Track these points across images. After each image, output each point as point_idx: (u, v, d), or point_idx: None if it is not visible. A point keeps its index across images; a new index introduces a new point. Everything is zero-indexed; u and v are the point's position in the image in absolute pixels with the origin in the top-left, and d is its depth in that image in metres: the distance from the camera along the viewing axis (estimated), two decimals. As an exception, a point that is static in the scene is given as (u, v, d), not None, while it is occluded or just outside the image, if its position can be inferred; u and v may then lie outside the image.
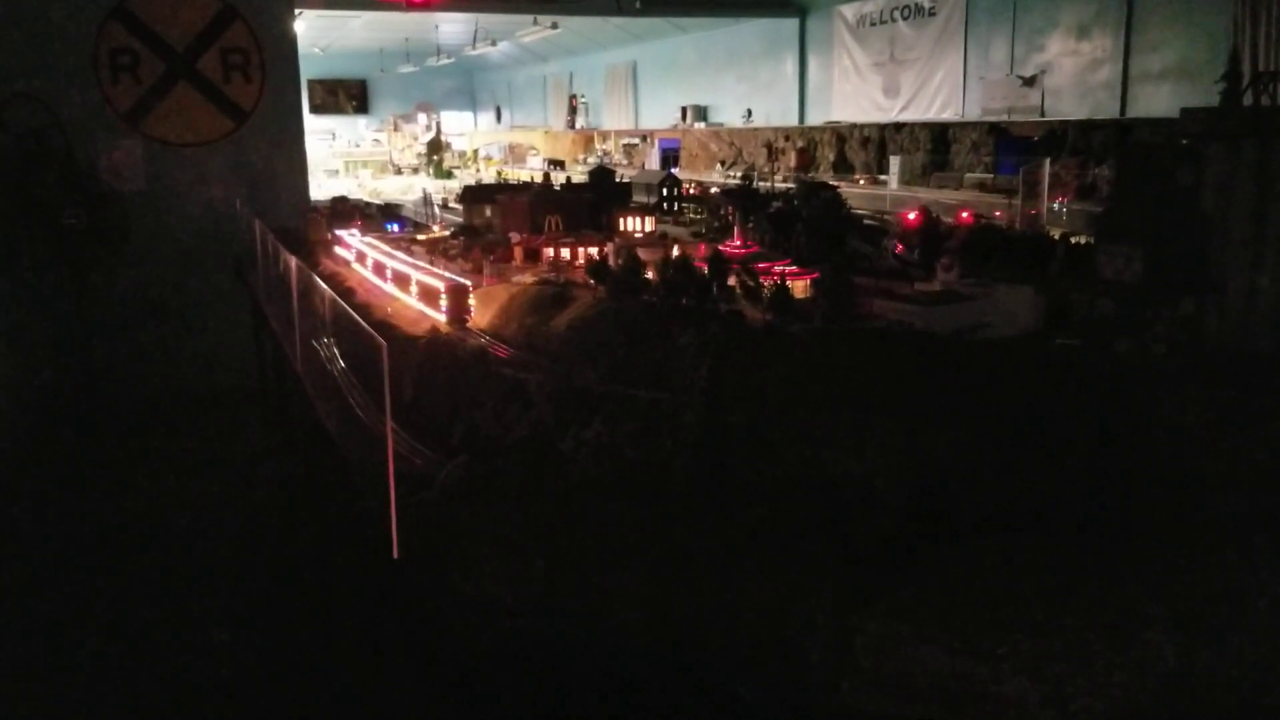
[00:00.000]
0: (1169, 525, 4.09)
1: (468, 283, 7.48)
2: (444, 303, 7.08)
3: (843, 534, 4.05)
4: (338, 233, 11.57)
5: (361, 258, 10.01)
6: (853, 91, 23.76)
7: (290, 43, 16.69)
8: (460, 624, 4.58)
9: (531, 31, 28.91)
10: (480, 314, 7.16)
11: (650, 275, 6.57)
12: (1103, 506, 4.23)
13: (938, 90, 21.01)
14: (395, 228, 12.91)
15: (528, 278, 8.16)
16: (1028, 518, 4.19)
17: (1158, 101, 15.78)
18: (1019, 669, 3.36)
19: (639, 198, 13.37)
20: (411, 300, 7.80)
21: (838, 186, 12.64)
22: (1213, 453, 4.56)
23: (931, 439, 4.53)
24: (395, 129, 39.05)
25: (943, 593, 3.73)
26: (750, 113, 26.88)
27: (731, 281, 6.78)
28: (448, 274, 7.87)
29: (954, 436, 4.57)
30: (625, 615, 4.00)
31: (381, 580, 5.39)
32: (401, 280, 8.13)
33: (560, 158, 32.77)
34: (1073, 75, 17.65)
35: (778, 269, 7.25)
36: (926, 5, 20.95)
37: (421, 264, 8.49)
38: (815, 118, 24.91)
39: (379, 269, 8.98)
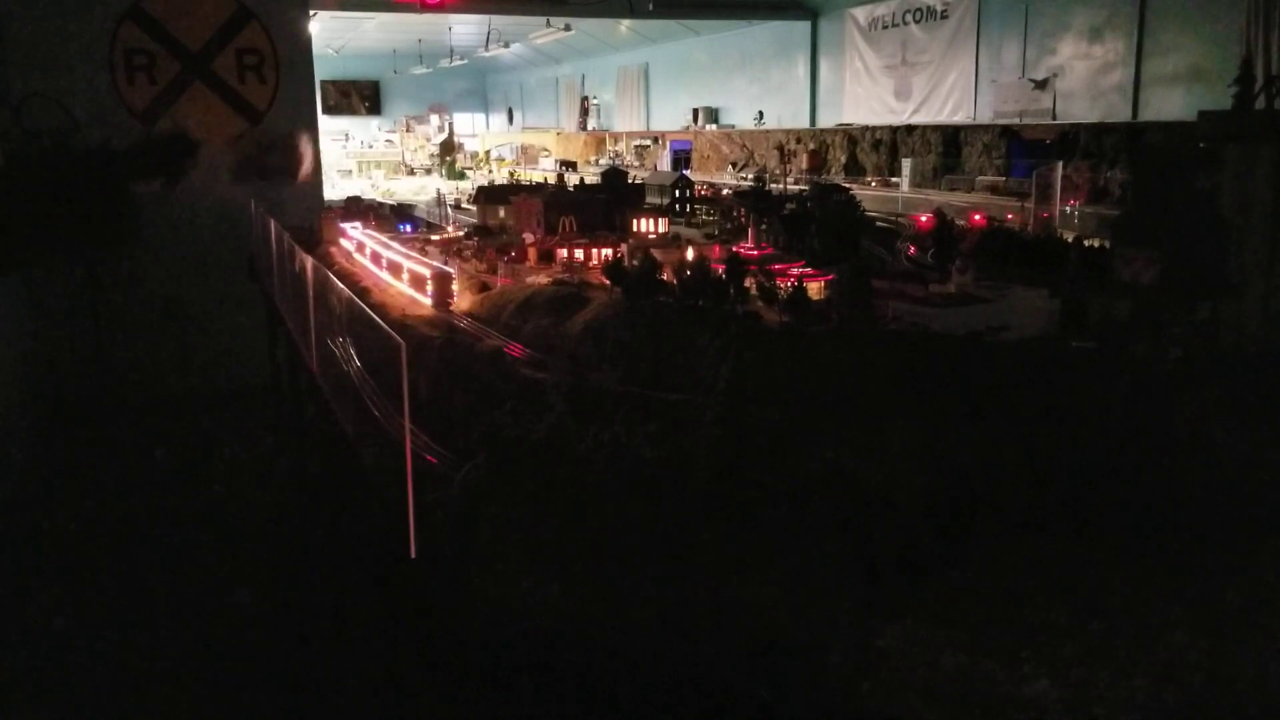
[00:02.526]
0: (1189, 528, 4.09)
1: (451, 270, 8.18)
2: (429, 288, 7.77)
3: (863, 536, 4.06)
4: (341, 225, 11.78)
5: (361, 248, 10.62)
6: (864, 94, 23.74)
7: (304, 44, 16.77)
8: (477, 624, 4.59)
9: (544, 33, 28.95)
10: (496, 314, 7.19)
11: (666, 276, 6.58)
12: (1123, 509, 4.23)
13: (949, 93, 20.98)
14: (408, 228, 12.96)
15: (542, 278, 8.19)
16: (1047, 520, 4.19)
17: (1170, 105, 15.73)
18: (1041, 672, 3.36)
19: (651, 199, 13.39)
20: (404, 286, 8.44)
21: (850, 188, 12.63)
22: (1232, 455, 4.55)
23: (950, 441, 4.53)
24: (408, 130, 39.15)
25: (963, 595, 3.73)
26: (762, 115, 26.87)
27: (747, 283, 6.79)
28: (433, 262, 8.54)
29: (972, 439, 4.57)
30: (644, 617, 4.01)
31: (398, 580, 5.41)
32: (395, 268, 8.84)
33: (572, 159, 32.79)
34: (1085, 78, 17.61)
35: (793, 271, 7.26)
36: (938, 8, 20.92)
37: (411, 253, 9.13)
38: (827, 120, 24.89)
39: (376, 258, 9.67)
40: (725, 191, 15.85)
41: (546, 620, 4.32)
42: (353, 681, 7.60)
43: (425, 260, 8.62)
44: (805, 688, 3.52)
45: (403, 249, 9.71)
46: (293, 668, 8.03)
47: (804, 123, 25.46)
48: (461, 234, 12.01)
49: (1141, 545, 4.03)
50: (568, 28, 27.52)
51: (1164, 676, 3.29)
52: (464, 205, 18.66)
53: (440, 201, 18.88)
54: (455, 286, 7.84)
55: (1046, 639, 3.47)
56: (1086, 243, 9.07)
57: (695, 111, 29.65)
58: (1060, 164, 13.69)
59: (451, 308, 7.66)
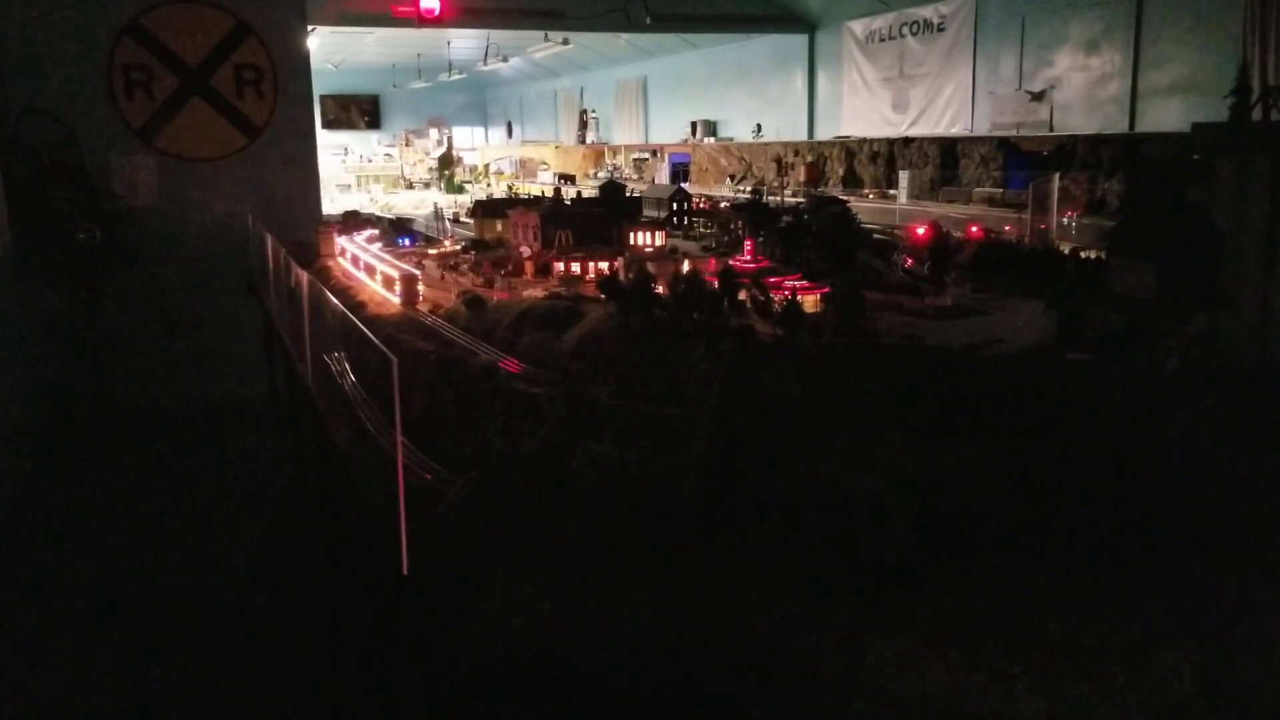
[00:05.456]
0: (1185, 542, 4.06)
1: (417, 272, 9.02)
2: (398, 288, 8.61)
3: (854, 551, 4.03)
4: (352, 234, 12.04)
5: (343, 252, 11.31)
6: (862, 106, 23.81)
7: (303, 59, 16.83)
8: (469, 641, 4.56)
9: (543, 47, 29.07)
10: (491, 328, 7.18)
11: (661, 290, 6.57)
12: (1117, 523, 4.21)
13: (947, 105, 21.03)
14: (407, 242, 12.98)
15: (538, 292, 8.18)
16: (1041, 534, 4.16)
17: (1167, 116, 15.76)
18: (1033, 688, 3.33)
19: (649, 212, 13.39)
20: (379, 287, 9.26)
21: (847, 201, 12.63)
22: (1228, 468, 4.53)
23: (943, 455, 4.51)
24: (407, 144, 39.20)
25: (956, 610, 3.70)
26: (760, 127, 26.93)
27: (742, 296, 6.78)
28: (402, 265, 9.25)
29: (966, 452, 4.54)
30: (636, 633, 3.99)
31: (390, 596, 5.39)
32: (370, 271, 9.71)
33: (571, 172, 32.86)
34: (1081, 90, 17.66)
35: (788, 284, 7.25)
36: (935, 21, 21.00)
37: (385, 257, 9.87)
38: (824, 132, 24.95)
39: (355, 260, 10.48)
40: (723, 204, 15.85)
41: (538, 636, 4.30)
42: (345, 698, 7.56)
43: (395, 263, 9.33)
44: (796, 705, 3.49)
45: (378, 253, 10.26)
46: (283, 685, 7.99)
47: (802, 135, 25.52)
48: (459, 248, 12.02)
49: (1136, 559, 4.00)
50: (566, 42, 27.62)
51: (1157, 692, 3.27)
52: (463, 219, 18.68)
53: (438, 215, 18.90)
54: (420, 287, 8.79)
55: (1039, 654, 3.44)
56: (1084, 254, 9.06)
57: (694, 124, 29.72)
58: (1057, 175, 13.68)
59: (418, 305, 8.37)
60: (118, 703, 7.89)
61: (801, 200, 15.16)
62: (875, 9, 22.64)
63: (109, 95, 15.42)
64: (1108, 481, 4.46)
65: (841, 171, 22.47)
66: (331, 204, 23.36)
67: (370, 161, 40.01)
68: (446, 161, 36.03)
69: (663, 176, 27.19)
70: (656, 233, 10.78)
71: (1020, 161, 17.51)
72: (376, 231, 12.97)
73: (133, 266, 15.47)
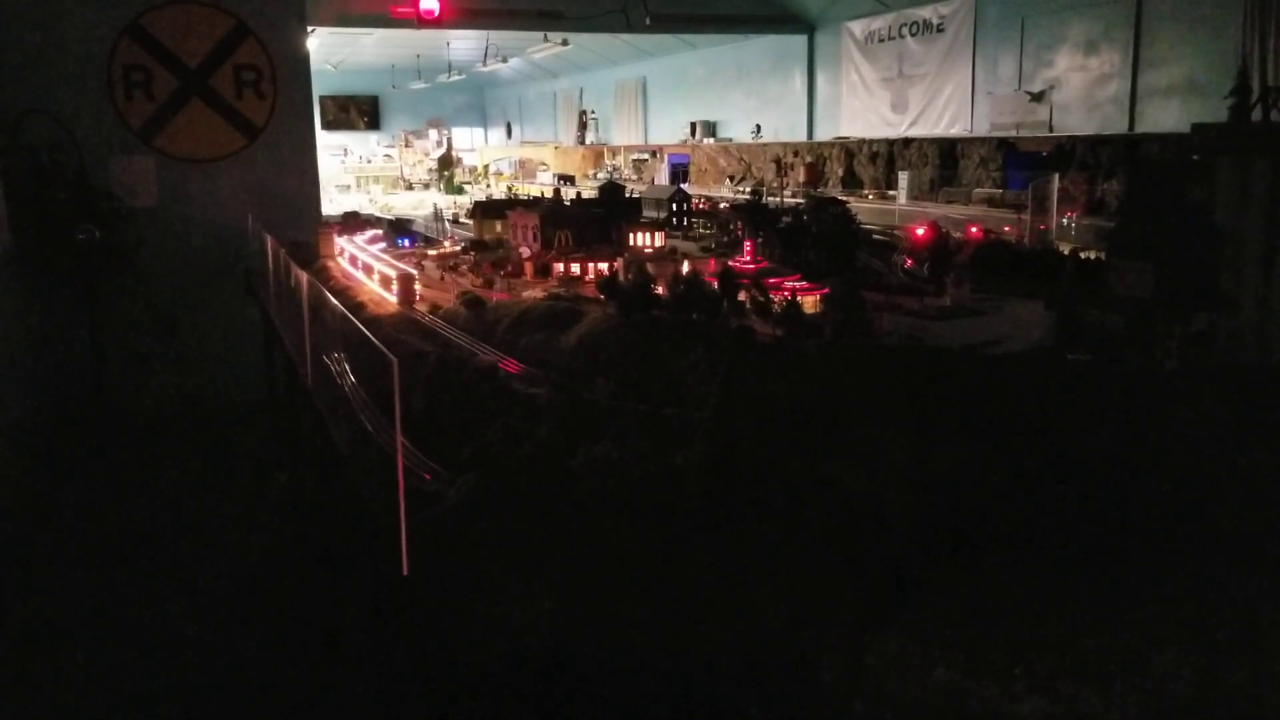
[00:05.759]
0: (1185, 543, 4.07)
1: (414, 272, 9.16)
2: (395, 288, 8.74)
3: (855, 552, 4.03)
4: (329, 232, 12.18)
5: (341, 252, 11.57)
6: (861, 107, 23.81)
7: (303, 60, 16.83)
8: (469, 642, 4.56)
9: (542, 48, 29.05)
10: (490, 329, 7.19)
11: (660, 290, 6.58)
12: (1117, 523, 4.21)
13: (946, 105, 21.04)
14: (406, 243, 12.99)
15: (538, 293, 8.19)
16: (1041, 535, 4.17)
17: (1166, 116, 15.77)
18: (1033, 689, 3.33)
19: (649, 213, 13.39)
20: (377, 287, 9.45)
21: (846, 201, 12.64)
22: (1228, 469, 4.53)
23: (943, 455, 4.51)
24: (407, 145, 39.22)
25: (956, 611, 3.70)
26: (759, 128, 26.93)
27: (741, 297, 6.79)
28: (400, 265, 9.40)
29: (966, 453, 4.54)
30: (636, 634, 3.99)
31: (390, 597, 5.38)
32: (369, 271, 9.90)
33: (570, 173, 32.87)
34: (1081, 90, 17.67)
35: (788, 284, 7.26)
36: (935, 21, 21.01)
37: (384, 258, 10.02)
38: (824, 133, 24.95)
39: (353, 260, 10.73)
40: (722, 205, 15.85)
41: (538, 637, 4.30)
42: (344, 699, 7.56)
43: (393, 264, 9.42)
44: (796, 705, 3.49)
45: (377, 253, 10.42)
46: (283, 685, 7.99)
47: (801, 136, 25.52)
48: (459, 249, 12.03)
49: (1136, 559, 4.00)
50: (565, 43, 27.63)
51: (1157, 692, 3.27)
52: (462, 220, 18.69)
53: (438, 216, 18.91)
54: (418, 287, 8.93)
55: (1038, 656, 3.44)
56: (1083, 255, 9.06)
57: (693, 125, 29.73)
58: (1056, 176, 13.67)
59: (416, 306, 8.50)
60: (118, 702, 7.89)
61: (801, 201, 15.17)
62: (874, 9, 22.65)
63: (109, 96, 15.42)
64: (1107, 481, 4.46)
65: (841, 172, 22.48)
66: (331, 205, 23.36)
67: (369, 162, 40.05)
68: (446, 162, 36.06)
69: (662, 177, 27.19)
70: (656, 233, 10.80)
71: (1019, 162, 17.52)
72: (380, 232, 13.03)
73: (132, 267, 15.46)
